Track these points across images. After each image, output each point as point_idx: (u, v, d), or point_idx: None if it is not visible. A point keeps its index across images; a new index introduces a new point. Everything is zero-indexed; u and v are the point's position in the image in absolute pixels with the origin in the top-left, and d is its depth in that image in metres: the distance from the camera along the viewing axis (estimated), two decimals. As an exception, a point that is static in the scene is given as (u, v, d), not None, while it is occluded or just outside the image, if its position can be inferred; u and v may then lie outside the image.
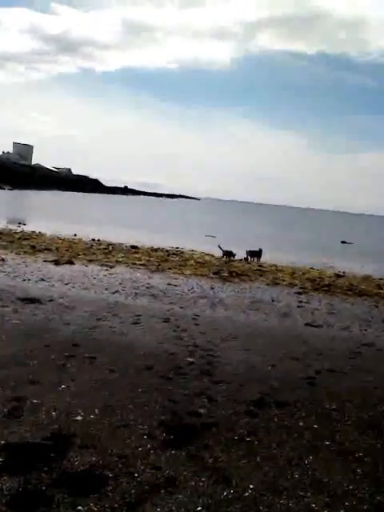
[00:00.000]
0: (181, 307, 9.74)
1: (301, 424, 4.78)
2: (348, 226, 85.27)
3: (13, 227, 24.44)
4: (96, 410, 4.67)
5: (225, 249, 18.83)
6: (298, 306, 10.92)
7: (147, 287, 11.55)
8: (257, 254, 19.24)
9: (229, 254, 18.57)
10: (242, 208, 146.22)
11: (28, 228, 24.67)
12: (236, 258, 18.63)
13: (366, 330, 9.25)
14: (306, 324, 9.25)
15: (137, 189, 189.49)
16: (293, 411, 5.06)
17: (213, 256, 19.06)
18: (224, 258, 18.37)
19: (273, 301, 11.37)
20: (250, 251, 19.27)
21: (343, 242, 37.02)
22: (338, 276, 16.57)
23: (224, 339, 7.63)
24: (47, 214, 37.57)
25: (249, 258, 19.07)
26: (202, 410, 4.89)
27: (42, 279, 11.41)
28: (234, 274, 14.89)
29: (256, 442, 4.33)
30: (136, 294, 10.67)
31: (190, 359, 6.47)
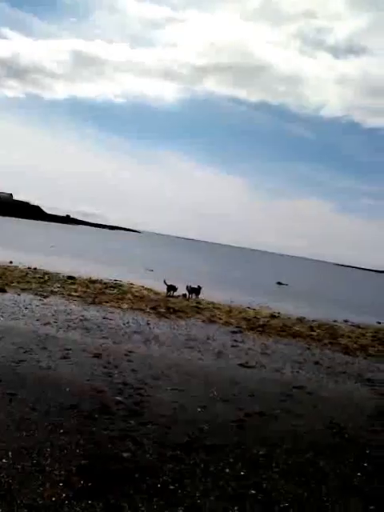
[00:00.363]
0: (114, 342, 9.45)
1: (227, 470, 4.62)
2: (285, 267, 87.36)
3: None
4: (9, 453, 4.33)
5: (169, 283, 18.77)
6: (233, 346, 10.85)
7: (81, 320, 11.17)
8: (196, 290, 19.22)
9: (171, 288, 18.54)
10: (181, 244, 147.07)
11: None
12: (176, 293, 18.60)
13: (297, 372, 9.27)
14: (240, 364, 9.17)
15: (78, 218, 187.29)
16: (220, 456, 4.89)
17: (151, 290, 18.85)
18: (168, 293, 18.33)
19: (208, 339, 11.25)
20: (190, 287, 19.23)
21: (279, 283, 37.79)
22: (272, 316, 16.72)
23: (156, 378, 7.41)
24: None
25: (188, 294, 19.02)
26: (125, 454, 4.65)
27: (-32, 307, 10.81)
28: (172, 310, 14.72)
29: (180, 491, 4.13)
30: (68, 326, 10.28)
31: (119, 398, 6.21)
